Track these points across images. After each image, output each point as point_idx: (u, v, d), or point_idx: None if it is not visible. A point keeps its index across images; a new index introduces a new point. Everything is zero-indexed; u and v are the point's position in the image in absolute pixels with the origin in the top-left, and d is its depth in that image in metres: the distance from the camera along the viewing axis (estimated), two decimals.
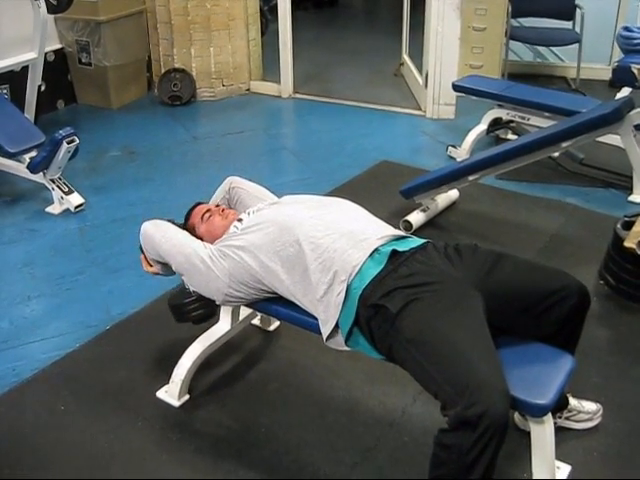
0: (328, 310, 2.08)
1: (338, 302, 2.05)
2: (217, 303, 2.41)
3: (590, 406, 2.44)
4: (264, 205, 2.45)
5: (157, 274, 2.57)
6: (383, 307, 1.97)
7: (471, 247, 2.17)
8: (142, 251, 2.57)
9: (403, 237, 2.23)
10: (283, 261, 2.18)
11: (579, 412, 2.42)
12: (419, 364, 1.89)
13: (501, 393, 1.74)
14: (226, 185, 2.75)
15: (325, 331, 2.11)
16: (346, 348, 2.11)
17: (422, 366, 1.88)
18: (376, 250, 2.10)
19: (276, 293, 2.28)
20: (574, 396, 2.42)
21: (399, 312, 1.93)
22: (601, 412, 2.45)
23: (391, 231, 2.24)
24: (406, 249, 2.12)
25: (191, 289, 2.42)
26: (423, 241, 2.21)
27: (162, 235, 2.44)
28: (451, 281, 2.03)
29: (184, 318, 2.60)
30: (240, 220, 2.44)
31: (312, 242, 2.14)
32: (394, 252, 2.09)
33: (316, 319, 2.17)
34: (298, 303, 2.22)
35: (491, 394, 1.71)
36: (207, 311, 2.58)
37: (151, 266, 2.57)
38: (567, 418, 2.42)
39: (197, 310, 2.53)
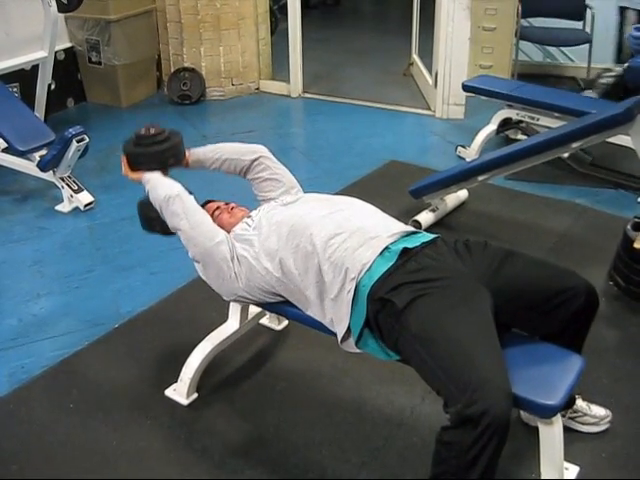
0: (341, 309, 2.09)
1: (348, 300, 2.06)
2: (225, 299, 2.42)
3: (599, 411, 2.43)
4: (275, 204, 2.45)
5: (135, 182, 2.54)
6: (390, 301, 1.97)
7: (481, 243, 2.18)
8: (126, 155, 2.55)
9: (413, 233, 2.23)
10: (297, 263, 2.18)
11: (585, 414, 2.41)
12: (423, 360, 1.89)
13: (503, 392, 1.73)
14: (252, 152, 2.65)
15: (340, 330, 2.11)
16: (357, 350, 2.11)
17: (426, 362, 1.88)
18: (386, 248, 2.10)
19: (283, 297, 2.30)
20: (583, 398, 2.42)
21: (405, 307, 1.93)
22: (609, 418, 2.43)
23: (401, 227, 2.24)
24: (417, 244, 2.13)
25: (202, 277, 2.42)
26: (433, 236, 2.22)
27: (186, 215, 2.35)
28: (459, 277, 2.03)
29: (151, 227, 2.60)
30: (250, 217, 2.45)
31: (324, 242, 2.15)
32: (404, 250, 2.09)
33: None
34: (308, 308, 2.22)
35: (493, 393, 1.71)
36: None
37: (133, 172, 2.55)
38: (571, 418, 2.41)
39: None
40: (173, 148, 2.56)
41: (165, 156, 2.53)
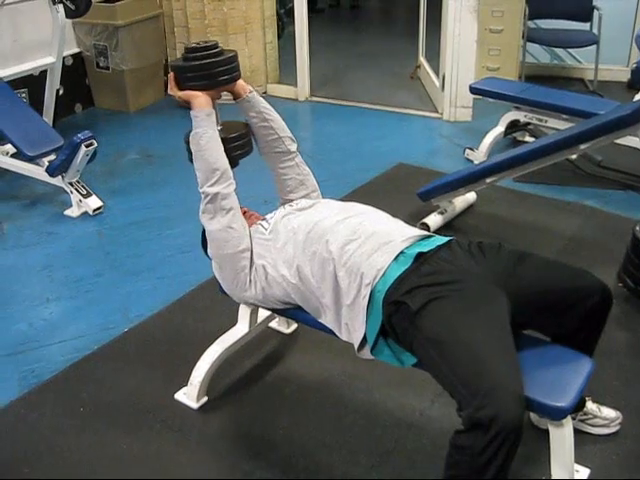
0: (357, 316, 2.08)
1: (363, 306, 2.05)
2: (235, 300, 2.43)
3: (609, 413, 2.42)
4: (291, 209, 2.43)
5: (182, 103, 2.36)
6: (404, 304, 1.96)
7: (495, 245, 2.17)
8: (173, 69, 2.35)
9: (428, 237, 2.23)
10: (314, 270, 2.18)
11: (595, 417, 2.40)
12: (436, 363, 1.89)
13: (514, 396, 1.72)
14: (292, 144, 2.59)
15: (356, 338, 2.10)
16: (372, 357, 2.11)
17: (439, 365, 1.88)
18: (401, 253, 2.10)
19: (295, 305, 2.31)
20: (594, 400, 2.41)
21: (419, 310, 1.93)
22: (620, 420, 2.43)
23: (416, 232, 2.23)
24: (431, 248, 2.13)
25: (217, 276, 2.42)
26: (448, 239, 2.21)
27: (219, 217, 2.29)
28: (474, 280, 2.03)
29: None
30: (265, 220, 2.44)
31: (339, 248, 2.14)
32: (419, 254, 2.09)
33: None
34: (323, 316, 2.22)
35: (503, 397, 1.70)
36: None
37: (180, 90, 2.35)
38: (582, 421, 2.40)
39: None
40: (226, 63, 2.33)
41: (217, 70, 2.31)
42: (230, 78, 2.37)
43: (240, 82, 2.47)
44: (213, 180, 2.29)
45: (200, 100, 2.34)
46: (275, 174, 2.62)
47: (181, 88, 2.35)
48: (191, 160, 2.39)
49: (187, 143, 2.38)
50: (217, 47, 2.33)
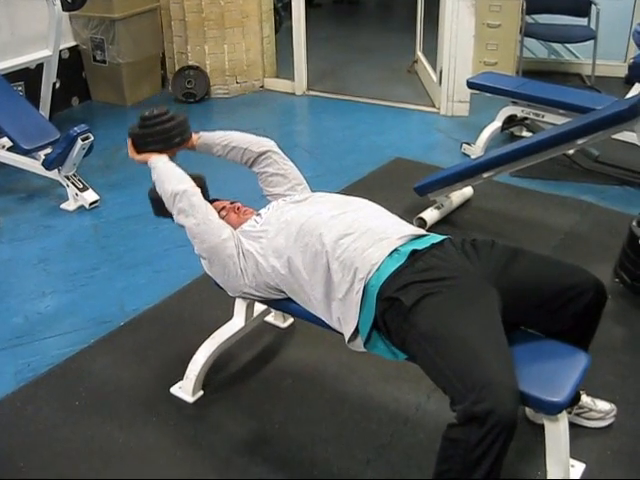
0: (350, 310, 2.08)
1: (357, 300, 2.05)
2: (230, 294, 2.42)
3: (604, 405, 2.43)
4: (284, 202, 2.44)
5: (141, 163, 2.53)
6: (397, 300, 1.97)
7: (488, 243, 2.17)
8: (131, 136, 2.54)
9: (423, 235, 2.23)
10: (306, 262, 2.18)
11: (590, 410, 2.41)
12: (430, 358, 1.89)
13: (510, 391, 1.73)
14: (261, 145, 2.65)
15: (347, 330, 2.10)
16: (364, 350, 2.11)
17: (433, 361, 1.88)
18: (396, 250, 2.10)
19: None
20: (588, 394, 2.42)
21: (413, 306, 1.93)
22: (614, 412, 2.44)
23: (411, 230, 2.24)
24: (426, 246, 2.13)
25: (208, 272, 2.42)
26: (442, 237, 2.21)
27: (193, 212, 2.33)
28: (467, 276, 2.03)
29: (163, 213, 2.56)
30: (259, 215, 2.45)
31: (333, 242, 2.14)
32: (413, 251, 2.09)
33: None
34: (312, 308, 2.22)
35: (500, 391, 1.70)
36: None
37: (138, 154, 2.53)
38: (577, 414, 2.41)
39: None
40: (177, 126, 2.55)
41: (170, 135, 2.53)
42: (182, 139, 2.58)
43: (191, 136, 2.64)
44: (176, 180, 2.40)
45: (155, 155, 2.51)
46: (257, 174, 2.66)
47: (139, 151, 2.53)
48: (157, 214, 2.61)
49: (152, 199, 2.58)
50: (168, 113, 2.55)
